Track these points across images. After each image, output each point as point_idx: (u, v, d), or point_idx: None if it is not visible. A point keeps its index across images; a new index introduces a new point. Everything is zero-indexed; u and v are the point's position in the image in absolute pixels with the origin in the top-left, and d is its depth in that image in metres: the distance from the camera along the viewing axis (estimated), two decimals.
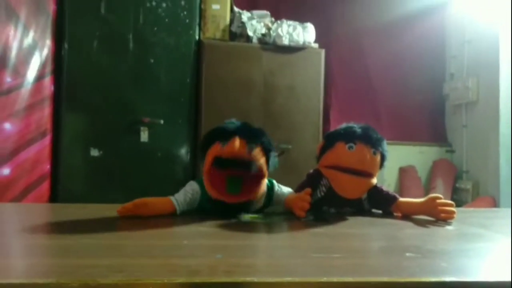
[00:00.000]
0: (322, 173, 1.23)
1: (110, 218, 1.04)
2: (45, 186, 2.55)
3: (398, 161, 3.59)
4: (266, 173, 1.14)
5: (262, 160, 1.10)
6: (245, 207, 1.12)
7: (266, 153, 1.12)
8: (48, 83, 2.58)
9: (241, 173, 1.08)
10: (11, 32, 2.18)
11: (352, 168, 1.15)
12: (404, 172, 3.58)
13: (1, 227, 1.02)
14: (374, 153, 1.17)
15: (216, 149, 1.07)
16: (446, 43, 3.76)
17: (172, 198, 1.12)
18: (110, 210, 1.08)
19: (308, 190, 1.12)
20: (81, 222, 0.99)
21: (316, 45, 3.04)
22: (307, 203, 1.09)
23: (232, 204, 1.09)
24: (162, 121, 2.75)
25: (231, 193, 1.08)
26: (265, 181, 1.17)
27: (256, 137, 1.10)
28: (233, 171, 1.07)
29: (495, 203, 3.03)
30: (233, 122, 1.14)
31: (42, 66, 2.50)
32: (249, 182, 1.10)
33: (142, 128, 2.74)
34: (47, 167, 2.58)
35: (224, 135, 1.08)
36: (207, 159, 1.10)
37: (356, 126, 1.20)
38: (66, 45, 2.67)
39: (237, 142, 1.05)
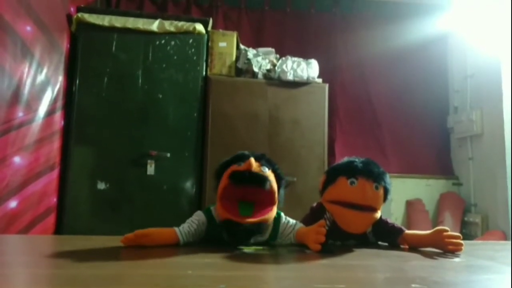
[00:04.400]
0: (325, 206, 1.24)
1: (115, 249, 1.05)
2: (51, 219, 2.56)
3: (405, 194, 3.56)
4: (277, 201, 1.16)
5: (274, 184, 1.14)
6: (256, 230, 1.11)
7: (278, 181, 1.16)
8: (58, 118, 2.64)
9: (254, 195, 1.11)
10: (26, 69, 2.27)
11: (355, 203, 1.15)
12: (411, 205, 3.54)
13: (8, 258, 1.02)
14: (377, 188, 1.16)
15: (232, 168, 1.14)
16: (448, 78, 3.83)
17: (176, 228, 1.13)
18: (115, 241, 1.09)
19: (322, 222, 1.11)
20: (86, 253, 0.99)
21: (320, 80, 3.10)
22: (323, 235, 1.08)
23: (243, 227, 1.09)
24: (168, 154, 2.79)
25: (243, 216, 1.10)
26: (275, 209, 1.17)
27: (270, 163, 1.18)
28: (248, 187, 1.10)
29: (505, 237, 2.97)
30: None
31: (54, 101, 2.58)
32: (260, 207, 1.12)
33: (149, 161, 2.77)
34: (53, 200, 2.60)
35: (241, 158, 1.16)
36: (223, 179, 1.14)
37: (358, 161, 1.20)
38: (77, 81, 2.77)
39: (253, 160, 1.11)
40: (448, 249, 1.11)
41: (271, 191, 1.12)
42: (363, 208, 1.16)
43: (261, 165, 1.14)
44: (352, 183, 1.16)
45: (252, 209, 1.10)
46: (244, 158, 1.15)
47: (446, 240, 1.12)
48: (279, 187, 1.17)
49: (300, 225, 1.21)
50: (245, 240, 1.12)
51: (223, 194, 1.12)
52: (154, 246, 1.07)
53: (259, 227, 1.12)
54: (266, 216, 1.12)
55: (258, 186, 1.10)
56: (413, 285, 0.74)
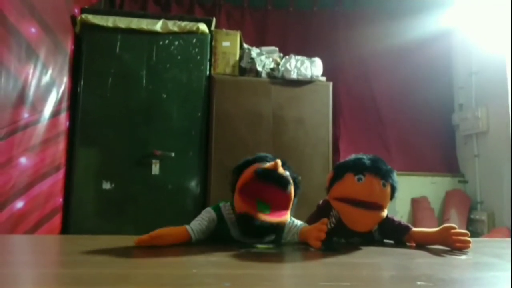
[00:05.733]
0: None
1: (121, 248, 1.05)
2: (57, 219, 2.58)
3: (410, 192, 3.54)
4: (290, 208, 1.18)
5: (293, 190, 1.16)
6: (271, 230, 1.13)
7: (294, 189, 1.18)
8: (63, 119, 2.66)
9: (272, 196, 1.13)
10: (31, 71, 2.28)
11: (361, 200, 1.14)
12: (416, 203, 3.53)
13: (15, 258, 1.03)
14: (384, 185, 1.15)
15: (257, 165, 1.15)
16: (453, 75, 3.80)
17: (187, 227, 1.13)
18: (121, 240, 1.09)
19: (325, 220, 1.11)
20: (93, 252, 1.00)
21: (323, 78, 3.09)
22: (324, 233, 1.08)
23: (259, 223, 1.09)
24: (173, 154, 2.79)
25: (261, 212, 1.11)
26: (289, 215, 1.19)
27: (291, 171, 1.20)
28: (270, 186, 1.11)
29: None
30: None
31: (59, 103, 2.59)
32: (277, 209, 1.14)
33: (153, 161, 2.78)
34: (59, 200, 2.62)
35: (264, 159, 1.18)
36: (247, 172, 1.14)
37: (365, 158, 1.19)
38: (82, 82, 2.78)
39: (279, 162, 1.13)
40: (455, 247, 1.11)
41: (289, 196, 1.15)
42: (370, 206, 1.14)
43: (284, 169, 1.16)
44: (359, 179, 1.15)
45: (269, 209, 1.12)
46: (267, 159, 1.18)
47: (454, 237, 1.11)
48: (295, 195, 1.18)
49: (304, 224, 1.22)
50: (257, 238, 1.14)
51: (244, 188, 1.13)
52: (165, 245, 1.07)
53: (274, 228, 1.12)
54: (282, 219, 1.14)
55: (280, 187, 1.12)
56: (418, 283, 0.74)
